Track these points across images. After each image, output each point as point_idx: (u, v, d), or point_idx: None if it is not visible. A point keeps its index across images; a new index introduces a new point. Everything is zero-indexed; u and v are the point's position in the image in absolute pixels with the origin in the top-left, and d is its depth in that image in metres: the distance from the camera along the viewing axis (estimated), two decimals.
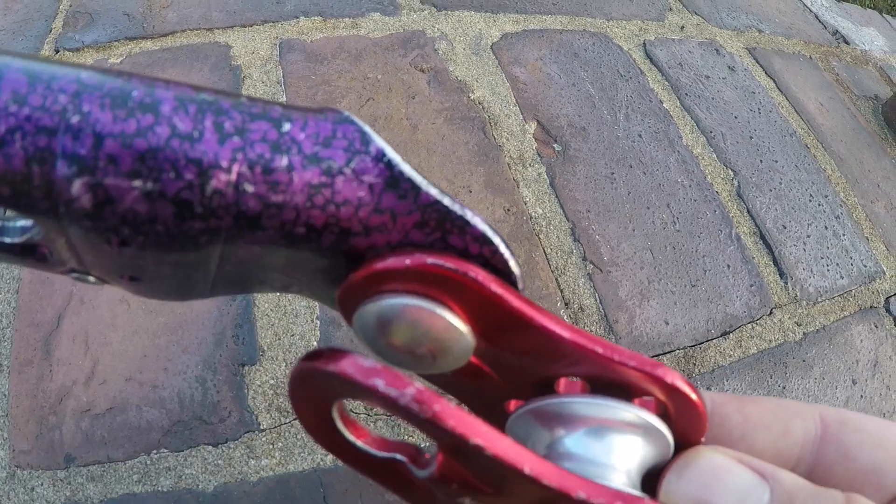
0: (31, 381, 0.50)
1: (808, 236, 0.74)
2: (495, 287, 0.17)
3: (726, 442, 0.21)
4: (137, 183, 0.15)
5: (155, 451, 0.48)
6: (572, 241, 0.65)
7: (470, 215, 0.17)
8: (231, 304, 0.54)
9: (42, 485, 0.46)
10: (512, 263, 0.18)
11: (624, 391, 0.19)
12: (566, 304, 0.61)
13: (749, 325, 0.65)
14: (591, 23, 0.90)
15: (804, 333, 0.66)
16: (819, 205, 0.78)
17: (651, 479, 0.20)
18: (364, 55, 0.76)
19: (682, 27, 0.95)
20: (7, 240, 0.18)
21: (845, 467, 0.20)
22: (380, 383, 0.16)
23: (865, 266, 0.74)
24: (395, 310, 0.17)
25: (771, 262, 0.70)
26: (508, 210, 0.66)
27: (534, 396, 0.20)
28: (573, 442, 0.19)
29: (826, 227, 0.76)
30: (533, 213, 0.66)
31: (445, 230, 0.17)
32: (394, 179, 0.17)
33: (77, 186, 0.15)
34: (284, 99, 0.70)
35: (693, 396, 0.18)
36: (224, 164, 0.15)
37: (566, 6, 0.91)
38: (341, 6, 0.82)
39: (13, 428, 0.48)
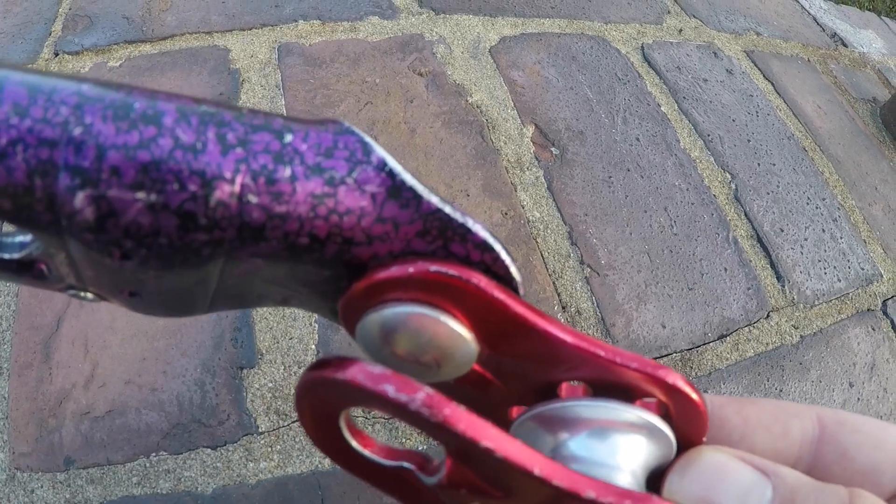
0: (31, 384, 0.50)
1: (806, 239, 0.74)
2: (498, 293, 0.17)
3: (726, 443, 0.21)
4: (141, 195, 0.15)
5: (154, 454, 0.48)
6: (569, 245, 0.65)
7: (471, 223, 0.17)
8: None
9: (42, 487, 0.46)
10: (513, 270, 0.18)
11: (625, 393, 0.19)
12: (563, 308, 0.61)
13: (746, 329, 0.65)
14: (589, 26, 0.90)
15: (801, 336, 0.66)
16: (816, 208, 0.78)
17: (655, 480, 0.20)
18: (362, 59, 0.77)
19: (681, 30, 0.96)
20: (5, 256, 0.18)
21: (843, 467, 0.20)
22: (389, 389, 0.16)
23: (863, 269, 0.74)
24: (398, 318, 0.17)
25: (768, 266, 0.70)
26: (506, 214, 0.66)
27: (536, 402, 0.20)
28: (577, 445, 0.19)
29: (823, 230, 0.76)
30: (530, 217, 0.66)
31: (447, 238, 0.17)
32: (396, 189, 0.17)
33: (80, 199, 0.15)
34: (283, 102, 0.70)
35: (694, 396, 0.19)
36: (228, 175, 0.15)
37: (564, 10, 0.91)
38: (340, 10, 0.82)
39: (13, 430, 0.48)
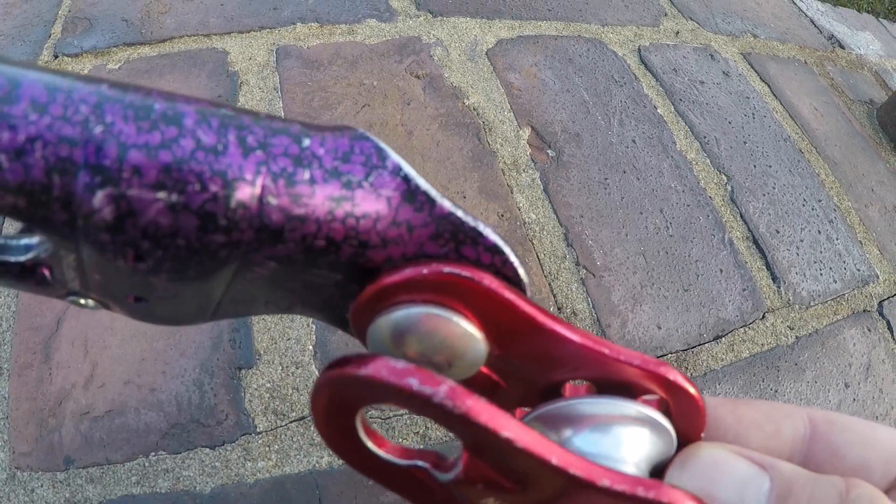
0: (31, 384, 0.50)
1: (802, 240, 0.75)
2: (508, 294, 0.18)
3: (721, 441, 0.21)
4: (162, 195, 0.15)
5: (153, 454, 0.48)
6: (565, 247, 0.66)
7: (482, 227, 0.18)
8: None
9: (42, 486, 0.47)
10: (521, 272, 0.18)
11: (627, 391, 0.20)
12: (559, 309, 0.61)
13: (741, 329, 0.65)
14: (585, 28, 0.90)
15: (797, 337, 0.67)
16: (812, 209, 0.78)
17: (656, 476, 0.20)
18: (360, 61, 0.77)
19: (677, 33, 0.96)
20: (11, 258, 0.17)
21: (834, 465, 0.21)
22: (414, 382, 0.16)
23: (859, 270, 0.75)
24: (411, 319, 0.18)
25: (764, 267, 0.71)
26: (502, 215, 0.66)
27: (540, 403, 0.21)
28: (582, 440, 0.19)
29: (819, 232, 0.76)
30: (526, 219, 0.67)
31: (459, 241, 0.18)
32: (410, 193, 0.17)
33: (99, 198, 0.14)
34: (281, 105, 0.70)
35: (693, 392, 0.19)
36: (249, 177, 0.15)
37: (561, 12, 0.92)
38: (338, 12, 0.82)
39: (13, 430, 0.49)
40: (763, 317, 0.67)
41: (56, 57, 0.73)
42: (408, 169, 0.17)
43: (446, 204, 0.17)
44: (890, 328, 0.71)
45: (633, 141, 0.77)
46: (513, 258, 0.18)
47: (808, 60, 1.03)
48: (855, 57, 1.10)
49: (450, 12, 0.86)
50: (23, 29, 0.77)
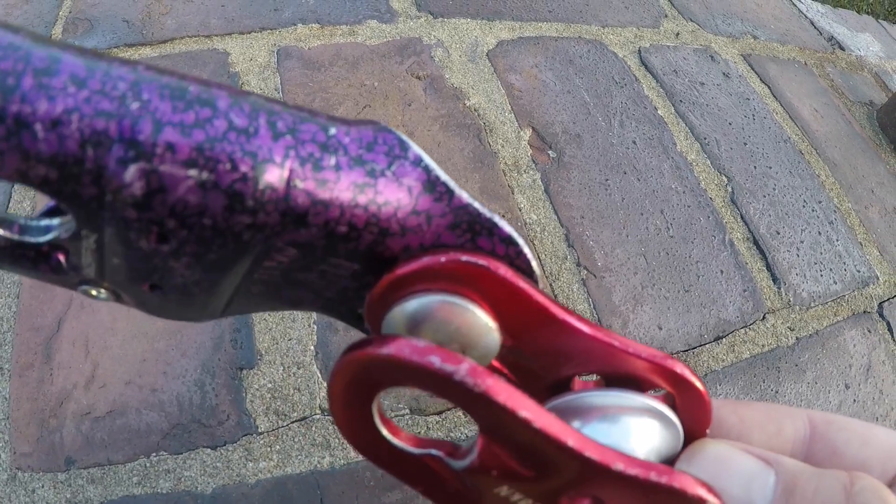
0: (32, 385, 0.50)
1: (802, 242, 0.75)
2: (522, 283, 0.18)
3: None
4: (193, 172, 0.15)
5: (154, 454, 0.48)
6: (566, 247, 0.66)
7: (497, 218, 0.18)
8: None
9: (43, 487, 0.47)
10: (534, 264, 0.19)
11: (635, 385, 0.20)
12: None
13: (742, 330, 0.65)
14: (586, 30, 0.90)
15: (797, 338, 0.67)
16: (813, 210, 0.78)
17: None
18: (361, 62, 0.77)
19: (678, 34, 0.96)
20: (30, 239, 0.17)
21: (834, 463, 0.21)
22: (436, 360, 0.17)
23: (859, 271, 0.75)
24: (427, 308, 0.18)
25: (764, 268, 0.71)
26: (503, 216, 0.66)
27: (551, 394, 0.21)
28: (591, 431, 0.20)
29: (820, 233, 0.76)
30: (527, 220, 0.67)
31: (475, 232, 0.18)
32: (430, 183, 0.18)
33: (131, 172, 0.15)
34: None
35: (699, 386, 0.20)
36: (277, 159, 0.16)
37: (562, 13, 0.92)
38: (338, 14, 0.82)
39: (14, 430, 0.49)
40: (763, 318, 0.67)
41: None
42: (428, 160, 0.18)
43: (464, 195, 0.18)
44: (890, 329, 0.71)
45: (634, 142, 0.77)
46: (526, 250, 0.19)
47: (808, 62, 1.03)
48: (855, 58, 1.10)
49: (450, 13, 0.86)
50: None
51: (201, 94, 0.16)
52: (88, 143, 0.14)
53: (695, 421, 0.21)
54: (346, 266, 0.18)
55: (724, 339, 0.64)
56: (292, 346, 0.54)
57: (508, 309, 0.19)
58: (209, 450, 0.49)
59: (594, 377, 0.21)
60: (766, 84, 0.93)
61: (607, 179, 0.73)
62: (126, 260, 0.17)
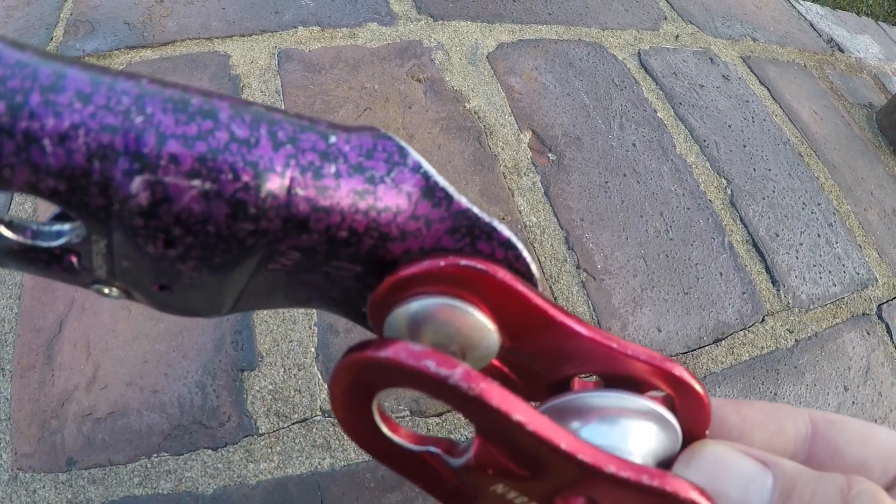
0: (34, 386, 0.51)
1: (801, 244, 0.75)
2: (521, 286, 0.18)
3: (726, 440, 0.22)
4: (196, 182, 0.16)
5: (155, 455, 0.49)
6: (566, 250, 0.66)
7: (497, 223, 0.18)
8: None
9: (44, 487, 0.47)
10: (533, 267, 0.19)
11: (634, 387, 0.20)
12: None
13: (741, 333, 0.65)
14: (586, 32, 0.91)
15: (796, 340, 0.67)
16: (812, 213, 0.79)
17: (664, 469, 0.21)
18: (361, 65, 0.77)
19: (677, 36, 0.96)
20: (42, 244, 0.18)
21: (835, 463, 0.21)
22: (430, 364, 0.17)
23: (858, 273, 0.75)
24: (427, 310, 0.18)
25: (763, 270, 0.71)
26: (503, 219, 0.67)
27: (550, 394, 0.21)
28: (589, 432, 0.20)
29: (819, 235, 0.77)
30: (527, 222, 0.67)
31: (474, 236, 0.18)
32: (429, 189, 0.18)
33: (137, 184, 0.15)
34: (283, 108, 0.71)
35: (698, 389, 0.20)
36: (278, 168, 0.16)
37: (561, 16, 0.92)
38: (339, 16, 0.83)
39: (16, 431, 0.49)
40: (763, 320, 0.67)
41: None
42: (427, 167, 0.18)
43: (463, 200, 0.18)
44: (889, 331, 0.71)
45: (634, 144, 0.77)
46: (525, 253, 0.19)
47: (807, 64, 1.03)
48: (854, 60, 1.10)
49: (451, 16, 0.86)
50: (25, 32, 0.77)
51: (203, 107, 0.16)
52: (95, 157, 0.15)
53: (694, 422, 0.21)
54: (349, 268, 0.19)
55: (723, 342, 0.64)
56: (293, 348, 0.54)
57: (507, 311, 0.19)
58: (210, 451, 0.49)
59: (594, 377, 0.21)
60: (765, 86, 0.94)
61: (607, 182, 0.73)
62: (135, 263, 0.18)
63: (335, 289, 0.20)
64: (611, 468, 0.17)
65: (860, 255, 0.77)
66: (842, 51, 1.11)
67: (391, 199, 0.18)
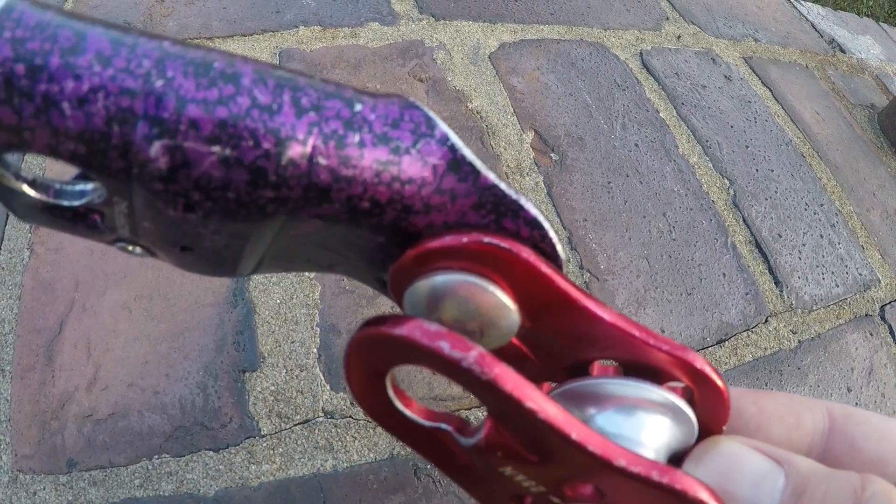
0: (34, 387, 0.50)
1: (804, 245, 0.75)
2: (545, 267, 0.18)
3: (743, 432, 0.22)
4: (216, 148, 0.15)
5: (156, 456, 0.48)
6: (569, 250, 0.66)
7: (524, 200, 0.18)
8: (232, 311, 0.55)
9: (44, 489, 0.46)
10: (559, 248, 0.19)
11: (654, 376, 0.20)
12: None
13: (744, 333, 0.65)
14: (588, 32, 0.91)
15: (799, 341, 0.67)
16: (814, 213, 0.78)
17: (675, 463, 0.21)
18: (363, 64, 0.77)
19: (679, 37, 0.96)
20: (65, 203, 0.18)
21: (852, 457, 0.21)
22: (445, 346, 0.17)
23: (860, 274, 0.75)
24: (448, 286, 0.18)
25: (766, 271, 0.71)
26: None
27: (567, 380, 0.21)
28: (605, 419, 0.20)
29: (821, 236, 0.76)
30: None
31: (500, 213, 0.18)
32: (456, 162, 0.18)
33: (156, 148, 0.15)
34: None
35: (719, 383, 0.20)
36: (300, 136, 0.16)
37: (563, 16, 0.92)
38: (340, 16, 0.82)
39: (16, 433, 0.49)
40: (766, 321, 0.67)
41: None
42: (455, 139, 0.18)
43: (490, 176, 0.18)
44: (892, 332, 0.71)
45: (636, 145, 0.77)
46: (552, 234, 0.18)
47: (809, 64, 1.03)
48: (856, 61, 1.10)
49: (452, 16, 0.86)
50: None
51: (226, 70, 0.16)
52: (114, 121, 0.15)
53: (712, 416, 0.20)
54: (372, 238, 0.18)
55: (726, 342, 0.64)
56: (295, 349, 0.54)
57: (530, 292, 0.19)
58: (212, 452, 0.49)
59: (613, 363, 0.21)
60: (767, 87, 0.94)
61: (610, 182, 0.73)
62: (156, 225, 0.18)
63: (358, 257, 0.20)
64: (621, 462, 0.17)
65: (863, 256, 0.77)
66: (843, 52, 1.11)
67: (416, 172, 0.17)
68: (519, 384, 0.17)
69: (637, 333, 0.19)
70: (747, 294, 0.68)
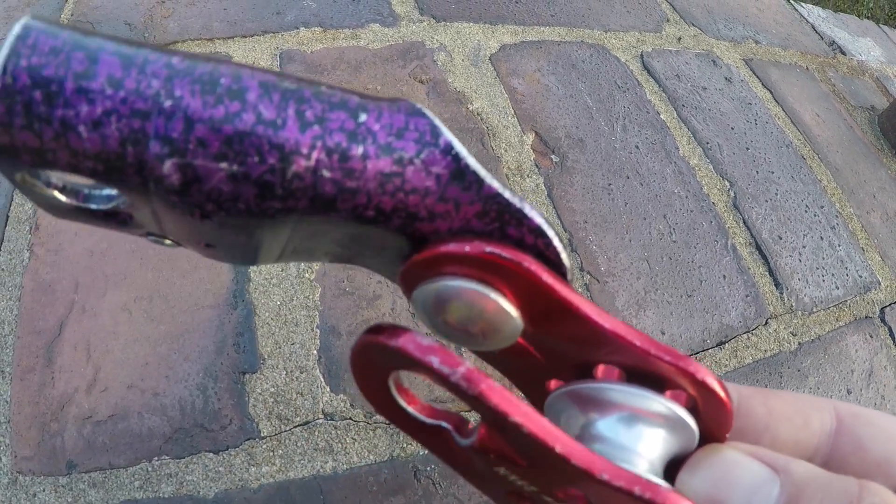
0: (34, 388, 0.50)
1: (804, 247, 0.75)
2: (546, 277, 0.18)
3: (751, 432, 0.22)
4: (224, 165, 0.16)
5: (156, 458, 0.48)
6: (569, 252, 0.66)
7: (528, 209, 0.18)
8: (232, 312, 0.55)
9: (44, 491, 0.46)
10: (563, 256, 0.19)
11: (657, 382, 0.20)
12: None
13: (744, 335, 0.65)
14: (588, 34, 0.91)
15: (799, 343, 0.67)
16: (815, 215, 0.78)
17: (675, 467, 0.21)
18: (363, 66, 0.77)
19: (680, 38, 0.96)
20: (93, 206, 0.19)
21: (859, 457, 0.21)
22: (435, 361, 0.18)
23: (861, 276, 0.75)
24: (452, 291, 0.19)
25: (766, 273, 0.71)
26: None
27: (574, 378, 0.21)
28: (605, 426, 0.20)
29: (822, 238, 0.76)
30: None
31: (504, 221, 0.18)
32: (459, 172, 0.18)
33: (168, 166, 0.16)
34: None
35: (721, 393, 0.20)
36: (304, 150, 0.17)
37: (564, 18, 0.92)
38: (341, 17, 0.82)
39: (15, 434, 0.49)
40: (766, 323, 0.67)
41: None
42: (459, 148, 0.18)
43: (494, 184, 0.18)
44: (892, 334, 0.71)
45: (637, 146, 0.77)
46: (556, 242, 0.19)
47: (809, 66, 1.03)
48: (856, 63, 1.10)
49: (453, 17, 0.86)
50: None
51: (231, 86, 0.16)
52: (128, 141, 0.16)
53: (715, 423, 0.21)
54: (381, 238, 0.19)
55: (726, 344, 0.64)
56: (295, 351, 0.54)
57: (533, 300, 0.19)
58: (211, 454, 0.49)
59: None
60: (767, 89, 0.94)
61: (610, 184, 0.73)
62: (179, 226, 0.18)
63: (372, 253, 0.20)
64: (604, 476, 0.18)
65: (863, 258, 0.77)
66: (843, 53, 1.11)
67: (419, 182, 0.18)
68: (505, 398, 0.18)
69: (638, 343, 0.19)
70: (747, 296, 0.68)
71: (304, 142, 0.16)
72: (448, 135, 0.18)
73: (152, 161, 0.16)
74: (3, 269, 0.56)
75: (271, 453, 0.50)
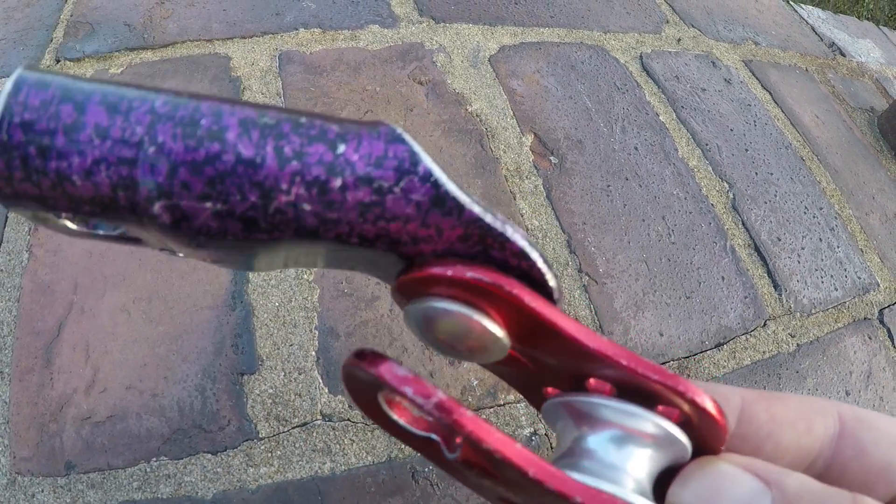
0: (32, 389, 0.50)
1: (803, 248, 0.75)
2: (528, 300, 0.19)
3: (754, 439, 0.22)
4: (208, 204, 0.17)
5: (155, 459, 0.48)
6: (568, 253, 0.66)
7: (510, 232, 0.19)
8: (231, 313, 0.55)
9: (42, 491, 0.46)
10: (548, 277, 0.19)
11: (650, 396, 0.20)
12: None
13: (743, 337, 0.65)
14: (588, 35, 0.91)
15: (798, 345, 0.67)
16: (814, 217, 0.78)
17: (669, 478, 0.21)
18: (363, 67, 0.77)
19: (679, 40, 0.96)
20: (101, 233, 0.20)
21: (861, 463, 0.21)
22: (409, 391, 0.18)
23: (860, 278, 0.75)
24: (438, 312, 0.19)
25: (765, 274, 0.71)
26: None
27: (569, 386, 0.22)
28: (596, 442, 0.20)
29: (821, 240, 0.76)
30: (529, 226, 0.67)
31: (487, 245, 0.19)
32: (439, 198, 0.18)
33: (157, 207, 0.17)
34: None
35: (714, 412, 0.19)
36: (284, 186, 0.17)
37: (563, 19, 0.92)
38: (340, 18, 0.82)
39: (14, 435, 0.49)
40: (764, 324, 0.67)
41: (58, 61, 0.73)
42: (438, 174, 0.18)
43: (475, 209, 0.18)
44: (890, 336, 0.71)
45: (636, 148, 0.77)
46: (540, 263, 0.19)
47: (809, 68, 1.03)
48: (856, 64, 1.10)
49: (452, 19, 0.86)
50: (25, 33, 0.77)
51: (212, 128, 0.17)
52: (118, 187, 0.17)
53: (709, 438, 0.20)
54: (370, 255, 0.19)
55: (725, 346, 0.64)
56: (293, 352, 0.54)
57: (519, 321, 0.19)
58: (210, 455, 0.49)
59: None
60: (767, 90, 0.94)
61: (609, 185, 0.73)
62: (182, 249, 0.19)
63: (368, 266, 0.21)
64: (577, 499, 0.18)
65: (862, 259, 0.77)
66: (843, 55, 1.11)
67: (400, 209, 0.18)
68: (478, 426, 0.18)
69: (625, 362, 0.19)
70: (746, 297, 0.68)
71: (283, 178, 0.17)
72: (427, 161, 0.18)
73: (143, 203, 0.17)
74: (2, 270, 0.56)
75: (269, 454, 0.50)
